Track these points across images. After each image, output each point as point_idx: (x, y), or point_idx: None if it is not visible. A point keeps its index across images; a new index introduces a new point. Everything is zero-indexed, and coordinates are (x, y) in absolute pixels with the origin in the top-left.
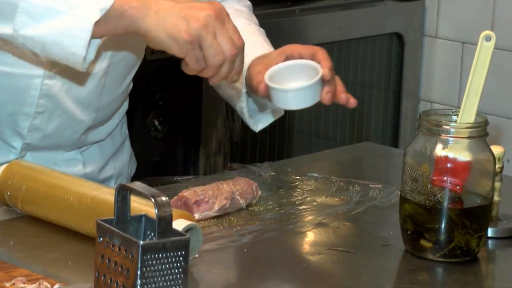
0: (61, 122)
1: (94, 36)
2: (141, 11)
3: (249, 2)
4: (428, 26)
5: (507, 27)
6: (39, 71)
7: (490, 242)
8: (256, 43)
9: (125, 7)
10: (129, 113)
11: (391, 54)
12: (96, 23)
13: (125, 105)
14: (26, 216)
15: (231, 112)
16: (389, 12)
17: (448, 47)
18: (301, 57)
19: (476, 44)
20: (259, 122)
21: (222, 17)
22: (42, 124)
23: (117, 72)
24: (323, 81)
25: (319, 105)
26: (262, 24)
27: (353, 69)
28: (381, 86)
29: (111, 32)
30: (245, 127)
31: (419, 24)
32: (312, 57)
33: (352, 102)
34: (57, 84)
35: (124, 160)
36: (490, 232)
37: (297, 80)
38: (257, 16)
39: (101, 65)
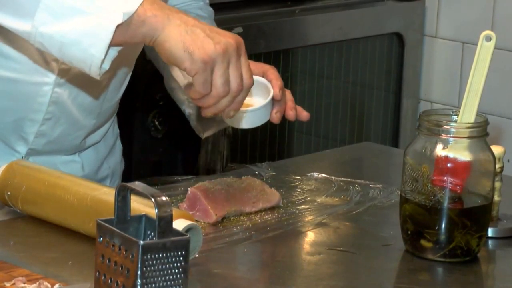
0: (65, 128)
1: (113, 40)
2: (163, 21)
3: (211, 9)
4: (428, 26)
5: (507, 27)
6: (49, 79)
7: (490, 242)
8: None
9: (148, 14)
10: (129, 113)
11: (391, 54)
12: (118, 26)
13: (117, 108)
14: (26, 216)
15: None
16: (389, 12)
17: (448, 47)
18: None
19: (476, 44)
20: (207, 130)
21: (240, 50)
22: (48, 130)
23: (118, 79)
24: (273, 100)
25: (319, 105)
26: (262, 24)
27: (353, 69)
28: (381, 86)
29: (129, 39)
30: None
31: (419, 24)
32: (263, 75)
33: (304, 115)
34: (65, 92)
35: (117, 159)
36: (490, 232)
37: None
38: (257, 16)
39: (107, 74)
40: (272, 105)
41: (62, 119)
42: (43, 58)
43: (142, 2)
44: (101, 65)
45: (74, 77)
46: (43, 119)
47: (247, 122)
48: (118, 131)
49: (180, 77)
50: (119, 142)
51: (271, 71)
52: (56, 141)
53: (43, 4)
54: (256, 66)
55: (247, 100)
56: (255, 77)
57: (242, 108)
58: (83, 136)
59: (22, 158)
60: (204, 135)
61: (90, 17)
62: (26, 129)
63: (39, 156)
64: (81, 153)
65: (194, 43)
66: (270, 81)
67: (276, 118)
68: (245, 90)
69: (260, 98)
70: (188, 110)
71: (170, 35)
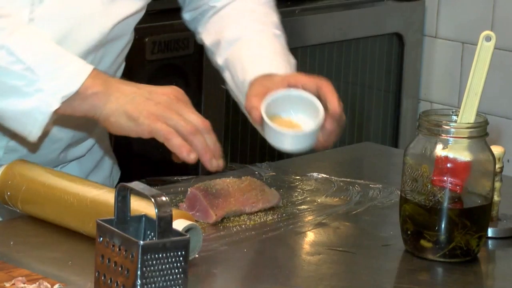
0: (37, 142)
1: (53, 115)
2: (103, 98)
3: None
4: (428, 26)
5: (507, 27)
6: None
7: (490, 242)
8: (262, 57)
9: (88, 93)
10: None
11: (391, 54)
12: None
13: None
14: (26, 216)
15: (231, 112)
16: (389, 12)
17: (448, 47)
18: (304, 89)
19: (476, 44)
20: None
21: (184, 99)
22: (18, 145)
23: None
24: (332, 117)
25: None
26: None
27: (353, 69)
28: (381, 86)
29: (71, 113)
30: (245, 127)
31: (419, 24)
32: (318, 90)
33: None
34: None
35: (105, 174)
36: (490, 232)
37: (294, 112)
38: None
39: None
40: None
41: None
42: None
43: (84, 80)
44: (37, 137)
45: None
46: (10, 134)
47: (289, 144)
48: (108, 144)
49: (231, 81)
50: (108, 157)
51: (325, 85)
52: (29, 156)
53: None
54: (309, 80)
55: (297, 119)
56: (306, 95)
57: (287, 129)
58: (60, 150)
59: None
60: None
61: (29, 99)
62: None
63: None
64: (63, 167)
65: (136, 110)
66: (325, 95)
67: (328, 141)
68: (209, 129)
69: (310, 119)
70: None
71: (112, 109)
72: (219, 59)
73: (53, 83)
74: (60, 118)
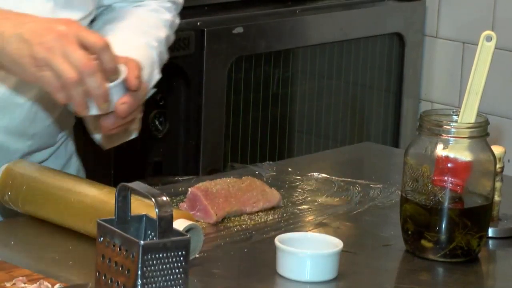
0: None
1: None
2: None
3: (170, 16)
4: (428, 26)
5: (507, 27)
6: None
7: (490, 242)
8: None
9: None
10: None
11: (391, 54)
12: None
13: (70, 123)
14: (26, 216)
15: (231, 112)
16: (390, 12)
17: (449, 47)
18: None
19: (477, 44)
20: (108, 143)
21: (70, 34)
22: None
23: (50, 98)
24: (127, 88)
25: (319, 105)
26: (262, 24)
27: (353, 69)
28: (382, 86)
29: None
30: (245, 127)
31: (420, 24)
32: (126, 64)
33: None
34: None
35: (72, 173)
36: (490, 232)
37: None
38: (257, 16)
39: (29, 94)
40: (122, 94)
41: None
42: None
43: None
44: None
45: None
46: None
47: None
48: (74, 148)
49: None
50: (74, 160)
51: (132, 61)
52: None
53: None
54: (119, 57)
55: None
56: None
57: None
58: (23, 152)
59: None
60: (106, 146)
61: None
62: None
63: None
64: None
65: (18, 52)
66: (127, 67)
67: (120, 109)
68: (90, 74)
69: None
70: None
71: None
72: None
73: None
74: (16, 129)
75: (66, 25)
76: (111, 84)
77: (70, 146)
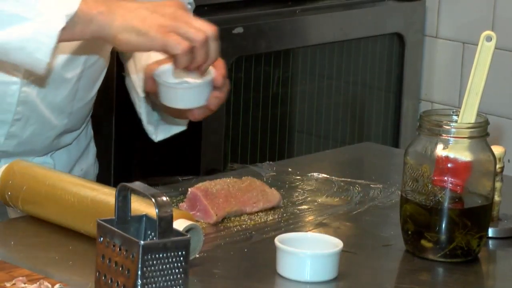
0: (35, 128)
1: (60, 41)
2: (109, 16)
3: (191, 0)
4: (428, 26)
5: (507, 27)
6: (16, 78)
7: (490, 242)
8: None
9: (93, 12)
10: (130, 113)
11: (391, 54)
12: (63, 29)
13: (90, 110)
14: (26, 216)
15: (231, 112)
16: (390, 12)
17: (449, 47)
18: None
19: (477, 44)
20: (161, 133)
21: (185, 11)
22: (18, 130)
23: (89, 78)
24: (214, 86)
25: (319, 105)
26: (262, 24)
27: (354, 69)
28: (382, 86)
29: (78, 37)
30: (245, 127)
31: (420, 24)
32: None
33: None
34: (33, 91)
35: (89, 162)
36: (490, 232)
37: (185, 79)
38: (257, 16)
39: (75, 71)
40: (211, 90)
41: (32, 119)
42: None
43: None
44: (47, 65)
45: (40, 76)
46: (13, 119)
47: (181, 101)
48: (92, 133)
49: (132, 70)
50: (92, 145)
51: (219, 60)
52: (27, 142)
53: None
54: None
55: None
56: None
57: (179, 84)
58: (54, 136)
59: None
60: (157, 138)
61: (31, 23)
62: None
63: (11, 157)
64: (53, 154)
65: (144, 24)
66: (214, 67)
67: (214, 103)
68: (214, 37)
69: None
70: (138, 110)
71: (119, 27)
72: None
73: (54, 4)
74: (58, 105)
75: (178, 2)
76: (203, 81)
77: (89, 132)
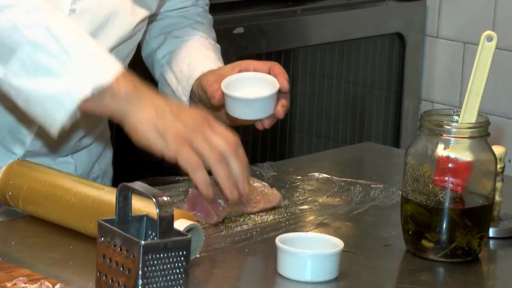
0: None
1: (80, 108)
2: (134, 101)
3: (211, 17)
4: (429, 26)
5: (508, 27)
6: None
7: (491, 242)
8: (208, 57)
9: (121, 92)
10: None
11: (392, 54)
12: (87, 99)
13: None
14: (27, 216)
15: None
16: (391, 12)
17: (450, 47)
18: (256, 71)
19: (478, 44)
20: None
21: (209, 121)
22: (45, 132)
23: None
24: (279, 93)
25: (320, 105)
26: (263, 24)
27: (354, 69)
28: (383, 86)
29: (97, 110)
30: (246, 127)
31: (421, 24)
32: (269, 71)
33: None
34: None
35: (108, 161)
36: (491, 232)
37: (252, 91)
38: (258, 16)
39: None
40: (277, 99)
41: None
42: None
43: (117, 76)
44: (61, 127)
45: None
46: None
47: (251, 112)
48: (109, 133)
49: (173, 82)
50: (110, 144)
51: (276, 66)
52: (53, 143)
53: (18, 55)
54: (260, 63)
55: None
56: (260, 75)
57: (247, 96)
58: (78, 138)
59: (19, 159)
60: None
61: (60, 80)
62: (24, 132)
63: (35, 157)
64: (74, 155)
65: (165, 127)
66: (276, 75)
67: (281, 111)
68: (235, 149)
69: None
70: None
71: (143, 118)
72: (159, 54)
73: (87, 69)
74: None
75: (202, 112)
76: (272, 93)
77: (107, 132)
